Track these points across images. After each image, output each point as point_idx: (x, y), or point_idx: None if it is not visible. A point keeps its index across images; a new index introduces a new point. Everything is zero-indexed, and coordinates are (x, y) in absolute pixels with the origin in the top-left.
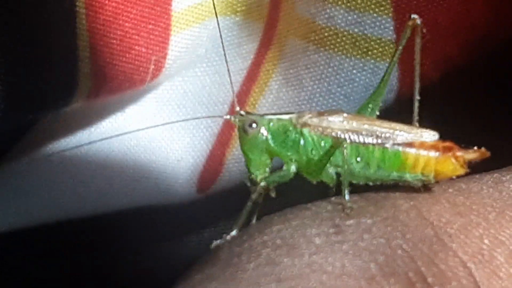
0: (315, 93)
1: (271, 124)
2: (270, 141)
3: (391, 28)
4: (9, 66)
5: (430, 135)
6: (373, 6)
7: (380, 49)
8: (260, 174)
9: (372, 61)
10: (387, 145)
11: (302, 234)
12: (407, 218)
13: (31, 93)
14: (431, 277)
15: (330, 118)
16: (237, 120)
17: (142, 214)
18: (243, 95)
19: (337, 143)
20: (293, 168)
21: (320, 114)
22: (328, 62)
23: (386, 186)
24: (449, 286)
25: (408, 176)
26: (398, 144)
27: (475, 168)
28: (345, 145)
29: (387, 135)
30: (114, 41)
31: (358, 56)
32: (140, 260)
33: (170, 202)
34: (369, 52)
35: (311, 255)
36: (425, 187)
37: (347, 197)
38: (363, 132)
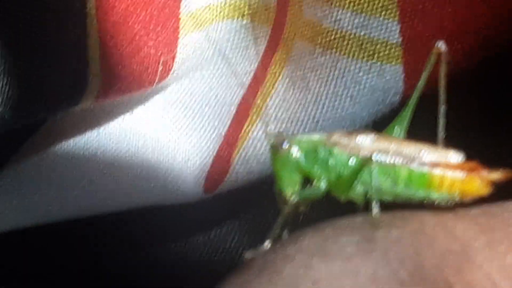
0: (321, 95)
1: (302, 143)
2: (301, 160)
3: (397, 31)
4: (20, 65)
5: (455, 156)
6: (379, 9)
7: (386, 52)
8: (290, 191)
9: (378, 63)
10: (413, 165)
11: (334, 242)
12: (433, 232)
13: (41, 92)
14: (457, 286)
15: (359, 138)
16: (270, 139)
17: (150, 213)
18: (249, 97)
19: (365, 162)
20: (323, 185)
21: (349, 134)
22: (335, 65)
23: (412, 205)
24: None
25: (434, 195)
26: (424, 164)
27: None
28: (373, 165)
29: (414, 155)
30: (124, 42)
31: (364, 59)
32: (146, 258)
33: (177, 202)
34: (375, 55)
35: (344, 261)
36: (450, 206)
37: (375, 210)
38: (391, 152)
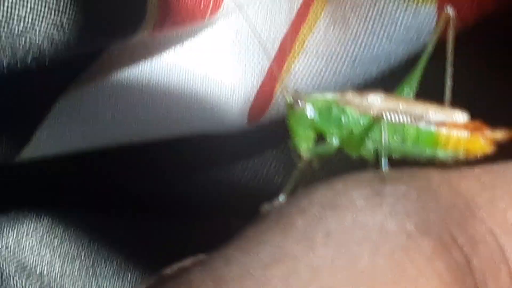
0: (359, 34)
1: (317, 102)
2: (315, 117)
3: None
4: None
5: (460, 116)
6: None
7: None
8: (304, 147)
9: (414, 5)
10: (421, 124)
11: (345, 195)
12: (439, 188)
13: (103, 21)
14: (461, 238)
15: (370, 98)
16: (286, 97)
17: (196, 141)
18: (293, 33)
19: (375, 120)
20: (335, 142)
21: (361, 93)
22: (373, 5)
23: (420, 163)
24: (476, 247)
25: (439, 153)
26: (431, 123)
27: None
28: (382, 123)
29: (421, 115)
30: None
31: (401, 0)
32: (189, 183)
33: (223, 132)
34: None
35: (354, 213)
36: (455, 164)
37: (384, 166)
38: (399, 112)
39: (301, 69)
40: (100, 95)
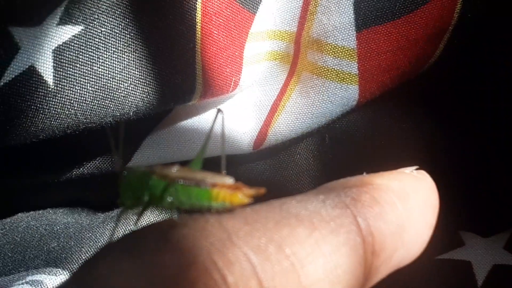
0: (316, 100)
1: (134, 172)
2: (133, 183)
3: (356, 67)
4: (159, 78)
5: (227, 179)
6: (346, 56)
7: (350, 78)
8: (127, 203)
9: (345, 84)
10: (201, 186)
11: (142, 242)
12: (211, 228)
13: (170, 93)
14: (221, 263)
15: (167, 169)
16: (117, 170)
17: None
18: (278, 101)
19: (171, 183)
20: (145, 198)
21: (166, 165)
22: (323, 85)
23: (203, 210)
24: (233, 267)
25: (213, 204)
26: (207, 185)
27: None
28: (175, 185)
29: (201, 179)
30: (215, 67)
31: (338, 81)
32: None
33: (235, 156)
34: (344, 79)
35: (145, 256)
36: (227, 211)
37: (175, 215)
38: (187, 177)
39: (282, 121)
40: (170, 135)
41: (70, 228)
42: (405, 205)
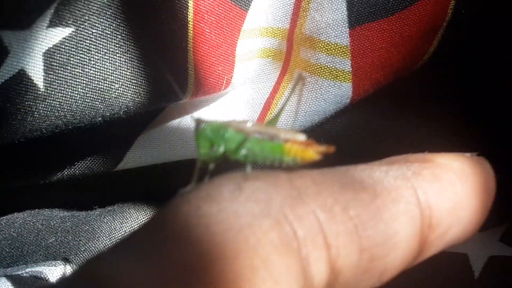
0: (308, 98)
1: (211, 125)
2: (210, 134)
3: (349, 64)
4: (152, 77)
5: (300, 136)
6: (340, 53)
7: (343, 76)
8: (202, 152)
9: (339, 82)
10: (274, 140)
11: (217, 190)
12: (282, 184)
13: (163, 92)
14: (291, 217)
15: (243, 124)
16: (195, 121)
17: None
18: (270, 99)
19: (246, 137)
20: (221, 149)
21: (240, 121)
22: (316, 82)
23: (274, 167)
24: (302, 222)
25: (285, 159)
26: (280, 140)
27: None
28: (249, 139)
29: (275, 134)
30: (207, 66)
31: (331, 79)
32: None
33: None
34: (337, 77)
35: (219, 202)
36: (296, 168)
37: (248, 168)
38: (261, 132)
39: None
40: (162, 134)
41: (67, 222)
42: (464, 185)
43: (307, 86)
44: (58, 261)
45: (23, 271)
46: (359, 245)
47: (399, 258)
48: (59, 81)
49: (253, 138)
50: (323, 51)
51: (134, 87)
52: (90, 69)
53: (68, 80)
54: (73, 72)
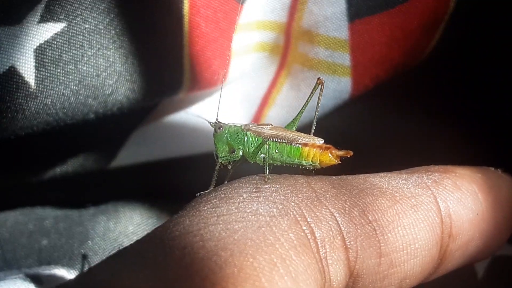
0: (306, 94)
1: (230, 128)
2: (228, 137)
3: (348, 59)
4: (147, 73)
5: (318, 140)
6: (339, 47)
7: (342, 70)
8: (221, 155)
9: (338, 76)
10: (293, 144)
11: (236, 191)
12: (301, 187)
13: (158, 87)
14: (310, 218)
15: (262, 127)
16: (212, 124)
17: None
18: (268, 94)
19: (264, 140)
20: (240, 153)
21: (258, 124)
22: (313, 77)
23: (292, 170)
24: (320, 223)
25: (303, 162)
26: (299, 143)
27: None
28: (268, 142)
29: (293, 138)
30: (203, 61)
31: (330, 74)
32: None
33: None
34: (336, 72)
35: (238, 203)
36: (314, 171)
37: (267, 172)
38: (280, 136)
39: (272, 115)
40: (156, 130)
41: (60, 223)
42: (486, 197)
43: (305, 81)
44: (52, 266)
45: (17, 276)
46: (378, 249)
47: (419, 266)
48: (51, 78)
49: (271, 142)
50: (322, 45)
51: (129, 83)
52: (83, 66)
53: (60, 77)
54: (65, 69)
